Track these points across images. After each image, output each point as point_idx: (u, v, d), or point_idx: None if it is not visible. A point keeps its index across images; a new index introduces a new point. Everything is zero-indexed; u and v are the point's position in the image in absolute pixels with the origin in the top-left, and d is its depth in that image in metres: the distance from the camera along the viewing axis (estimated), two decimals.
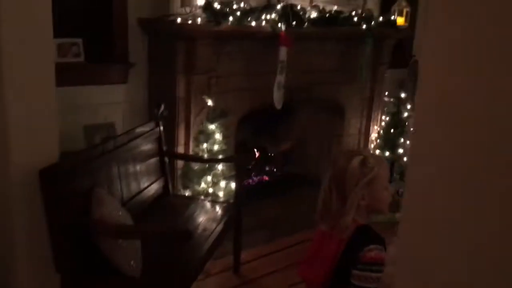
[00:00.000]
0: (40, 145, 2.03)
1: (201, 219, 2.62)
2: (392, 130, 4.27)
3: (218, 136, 3.08)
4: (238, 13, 3.07)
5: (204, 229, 2.49)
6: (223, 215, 2.68)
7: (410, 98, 4.37)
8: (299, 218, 3.68)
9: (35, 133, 2.01)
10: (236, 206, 2.79)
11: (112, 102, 3.16)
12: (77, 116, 2.97)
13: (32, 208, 1.98)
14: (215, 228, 2.52)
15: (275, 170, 4.38)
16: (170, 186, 2.92)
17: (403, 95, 4.30)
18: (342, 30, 3.75)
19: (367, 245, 1.48)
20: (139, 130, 2.68)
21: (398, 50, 4.48)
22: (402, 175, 4.18)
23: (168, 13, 3.01)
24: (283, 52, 3.31)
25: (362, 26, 3.84)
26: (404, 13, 4.17)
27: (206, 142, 3.07)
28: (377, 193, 1.55)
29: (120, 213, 2.08)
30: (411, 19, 4.39)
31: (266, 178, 4.28)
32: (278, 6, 3.28)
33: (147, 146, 2.73)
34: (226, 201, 2.99)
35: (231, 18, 3.04)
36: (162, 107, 2.90)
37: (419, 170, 0.68)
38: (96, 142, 3.00)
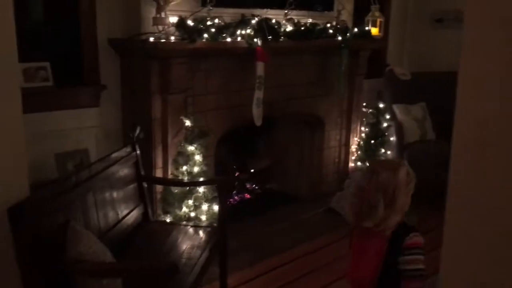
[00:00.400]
0: (8, 179, 1.86)
1: (185, 246, 2.48)
2: (372, 141, 4.22)
3: (198, 157, 2.96)
4: (213, 30, 2.98)
5: (189, 258, 2.36)
6: (207, 241, 2.55)
7: (388, 108, 4.35)
8: (284, 236, 3.58)
9: (2, 166, 1.85)
10: (220, 230, 2.67)
11: (84, 127, 3.01)
12: (47, 143, 2.82)
13: (1, 250, 1.81)
14: (200, 255, 2.39)
15: (256, 187, 4.28)
16: (150, 213, 2.78)
17: (381, 105, 4.28)
18: (318, 42, 3.71)
19: (407, 235, 1.78)
20: (114, 155, 2.54)
21: (373, 60, 4.47)
22: None
23: (140, 32, 2.91)
24: (260, 67, 3.23)
25: (337, 37, 3.81)
26: (378, 23, 4.16)
27: (186, 164, 2.94)
28: (408, 199, 1.83)
29: (99, 248, 1.94)
30: (385, 29, 4.40)
31: (247, 196, 4.17)
32: (253, 21, 3.22)
33: (124, 172, 2.59)
34: (209, 225, 2.86)
35: (205, 35, 2.95)
36: (138, 129, 2.77)
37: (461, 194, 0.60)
38: (69, 170, 2.86)
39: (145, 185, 2.78)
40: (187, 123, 2.99)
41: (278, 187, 4.41)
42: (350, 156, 4.38)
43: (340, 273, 3.11)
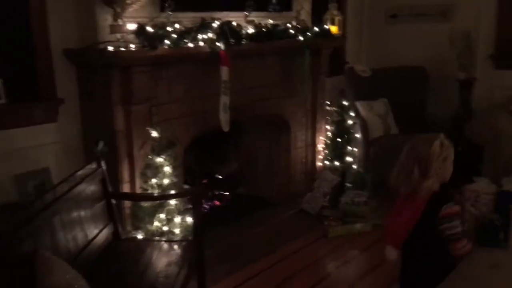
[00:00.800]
0: None
1: (161, 264, 2.36)
2: (339, 139, 4.22)
3: (167, 169, 2.84)
4: (174, 35, 2.87)
5: (166, 276, 2.24)
6: (184, 256, 2.45)
7: (352, 105, 4.36)
8: (259, 242, 3.51)
9: None
10: (196, 243, 2.57)
11: (42, 145, 2.84)
12: (4, 165, 2.63)
13: None
14: (178, 272, 2.28)
15: (226, 193, 4.19)
16: (120, 230, 2.64)
17: (345, 102, 4.28)
18: (280, 43, 3.66)
19: (443, 206, 2.08)
20: (79, 173, 2.39)
21: (333, 57, 4.47)
22: (355, 183, 4.13)
23: (96, 41, 2.76)
24: (225, 72, 3.15)
25: (298, 37, 3.77)
26: (336, 21, 4.16)
27: (155, 176, 2.82)
28: (447, 167, 2.12)
29: (72, 276, 1.80)
30: (343, 26, 4.41)
31: (217, 203, 4.08)
32: (214, 24, 3.13)
33: (90, 190, 2.45)
34: (184, 239, 2.75)
35: (166, 41, 2.84)
36: (101, 143, 2.62)
37: None
38: (30, 192, 2.68)
39: (113, 201, 2.64)
40: (154, 133, 2.86)
41: (248, 191, 4.34)
42: (317, 156, 4.36)
43: (321, 275, 3.09)
